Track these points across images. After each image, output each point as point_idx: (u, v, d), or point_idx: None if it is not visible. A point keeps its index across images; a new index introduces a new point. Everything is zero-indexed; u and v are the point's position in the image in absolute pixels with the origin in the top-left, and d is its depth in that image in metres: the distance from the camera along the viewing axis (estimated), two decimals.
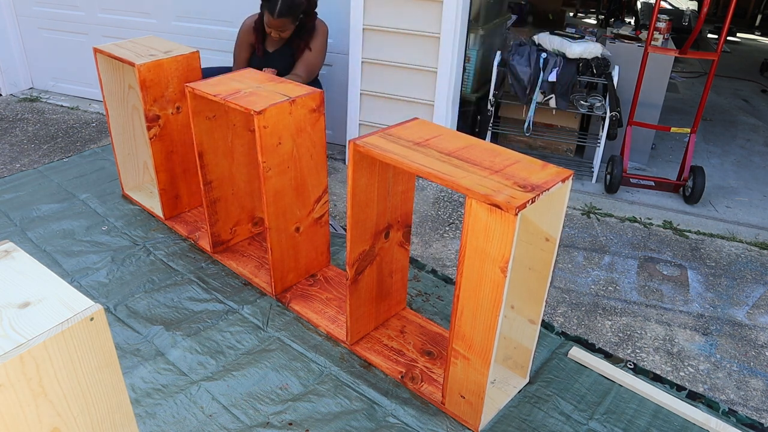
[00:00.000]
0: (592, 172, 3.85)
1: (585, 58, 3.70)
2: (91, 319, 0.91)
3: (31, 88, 5.01)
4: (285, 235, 2.10)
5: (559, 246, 2.01)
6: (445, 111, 3.42)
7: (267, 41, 3.28)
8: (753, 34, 8.92)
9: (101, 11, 4.42)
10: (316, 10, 3.25)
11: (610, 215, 3.42)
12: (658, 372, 2.25)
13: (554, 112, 3.95)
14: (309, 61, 3.23)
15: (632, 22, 7.05)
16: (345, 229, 2.57)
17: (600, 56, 3.74)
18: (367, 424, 1.67)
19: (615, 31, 4.22)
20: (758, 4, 9.40)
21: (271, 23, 3.05)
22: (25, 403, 0.87)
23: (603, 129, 3.72)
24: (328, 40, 3.40)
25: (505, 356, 1.84)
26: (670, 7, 7.14)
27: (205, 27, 4.09)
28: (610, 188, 3.65)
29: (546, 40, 3.81)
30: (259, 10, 3.20)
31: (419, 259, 2.80)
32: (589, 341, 2.04)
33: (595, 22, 8.72)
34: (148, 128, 2.39)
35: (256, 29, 3.22)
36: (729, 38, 8.26)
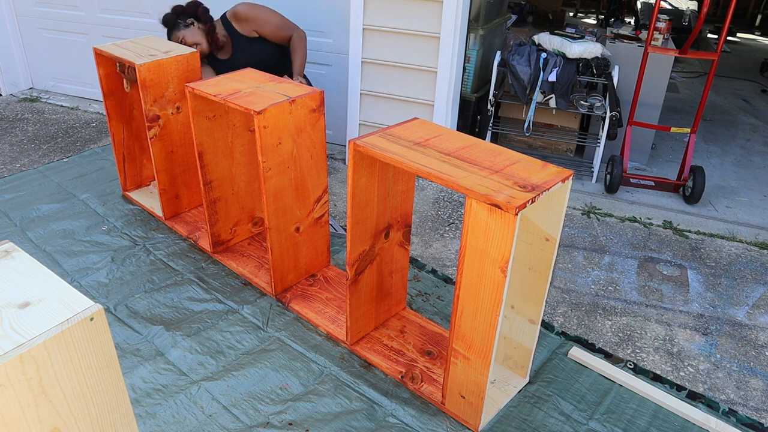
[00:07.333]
0: (592, 172, 3.85)
1: (585, 58, 3.70)
2: (91, 319, 0.91)
3: (31, 88, 5.01)
4: (285, 235, 2.10)
5: (559, 246, 2.01)
6: (445, 111, 3.42)
7: (215, 54, 3.10)
8: (753, 34, 8.92)
9: (101, 11, 4.42)
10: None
11: (610, 215, 3.42)
12: (658, 372, 2.25)
13: (554, 112, 3.96)
14: (274, 30, 3.06)
15: (632, 22, 7.05)
16: (345, 229, 2.57)
17: (600, 56, 3.74)
18: (367, 424, 1.67)
19: (615, 31, 4.22)
20: (758, 4, 9.40)
21: (177, 41, 2.90)
22: (25, 403, 0.87)
23: (603, 129, 3.72)
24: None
25: (505, 356, 1.84)
26: (670, 7, 7.14)
27: None
28: (610, 188, 3.65)
29: (546, 40, 3.81)
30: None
31: (419, 259, 2.80)
32: (589, 341, 2.04)
33: (595, 22, 8.72)
34: (148, 128, 2.39)
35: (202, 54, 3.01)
36: (729, 38, 8.26)
